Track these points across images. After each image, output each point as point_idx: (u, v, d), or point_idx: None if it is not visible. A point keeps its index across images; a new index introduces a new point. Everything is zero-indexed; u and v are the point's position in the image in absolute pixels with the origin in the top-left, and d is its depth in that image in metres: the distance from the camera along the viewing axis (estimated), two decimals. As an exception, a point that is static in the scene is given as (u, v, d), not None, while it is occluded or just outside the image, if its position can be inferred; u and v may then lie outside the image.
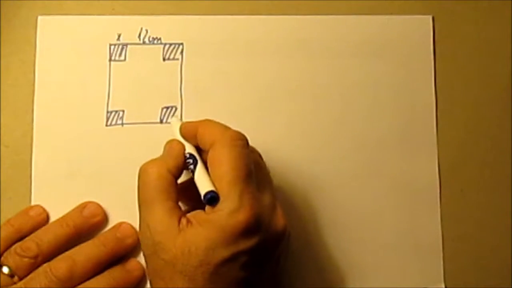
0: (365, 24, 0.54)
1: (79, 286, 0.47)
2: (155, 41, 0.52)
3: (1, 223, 0.49)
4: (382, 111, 0.53)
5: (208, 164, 0.43)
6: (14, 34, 0.52)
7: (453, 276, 0.52)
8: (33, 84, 0.51)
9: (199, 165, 0.43)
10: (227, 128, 0.44)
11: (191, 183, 0.44)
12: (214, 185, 0.41)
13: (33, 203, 0.50)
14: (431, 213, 0.53)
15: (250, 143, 0.44)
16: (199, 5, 0.53)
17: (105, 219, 0.50)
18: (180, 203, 0.44)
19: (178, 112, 0.52)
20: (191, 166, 0.44)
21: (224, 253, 0.40)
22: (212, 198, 0.41)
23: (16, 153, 0.51)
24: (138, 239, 0.49)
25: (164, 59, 0.52)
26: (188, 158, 0.44)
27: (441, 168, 0.53)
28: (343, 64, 0.53)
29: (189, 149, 0.45)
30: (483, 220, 0.53)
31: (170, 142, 0.46)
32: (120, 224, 0.50)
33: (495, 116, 0.54)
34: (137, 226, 0.49)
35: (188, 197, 0.46)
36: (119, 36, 0.52)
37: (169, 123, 0.51)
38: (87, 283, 0.47)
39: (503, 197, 0.53)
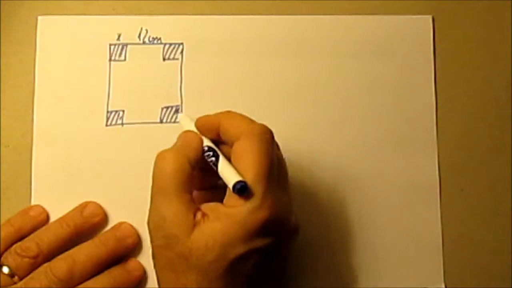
0: (365, 24, 0.54)
1: (79, 286, 0.47)
2: (155, 41, 0.52)
3: (1, 223, 0.49)
4: (382, 111, 0.53)
5: (233, 156, 0.42)
6: (14, 34, 0.52)
7: (453, 276, 0.52)
8: (33, 84, 0.51)
9: (222, 157, 0.43)
10: (252, 120, 0.43)
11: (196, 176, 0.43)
12: (242, 175, 0.40)
13: (33, 203, 0.50)
14: (431, 213, 0.53)
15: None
16: (199, 5, 0.53)
17: (105, 219, 0.50)
18: None
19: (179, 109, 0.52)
20: (212, 158, 0.43)
21: (241, 249, 0.39)
22: (243, 188, 0.39)
23: (16, 153, 0.51)
24: (138, 239, 0.50)
25: (164, 59, 0.52)
26: (207, 151, 0.43)
27: (441, 168, 0.53)
28: (343, 64, 0.53)
29: (207, 142, 0.44)
30: (483, 220, 0.53)
31: (186, 133, 0.45)
32: (120, 224, 0.50)
33: (495, 116, 0.54)
34: (137, 226, 0.50)
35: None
36: (119, 36, 0.52)
37: (170, 122, 0.51)
38: (87, 283, 0.47)
39: (503, 197, 0.53)
